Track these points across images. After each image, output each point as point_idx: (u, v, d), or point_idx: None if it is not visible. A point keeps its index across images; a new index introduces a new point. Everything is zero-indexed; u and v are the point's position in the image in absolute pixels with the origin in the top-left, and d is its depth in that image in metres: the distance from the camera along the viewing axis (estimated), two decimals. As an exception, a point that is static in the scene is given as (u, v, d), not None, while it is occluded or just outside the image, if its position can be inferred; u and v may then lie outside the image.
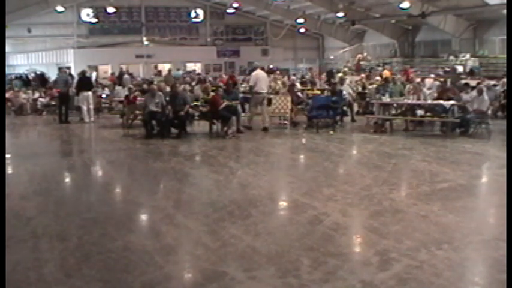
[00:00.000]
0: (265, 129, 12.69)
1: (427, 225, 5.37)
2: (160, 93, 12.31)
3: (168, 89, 13.50)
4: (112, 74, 26.32)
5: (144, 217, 6.23)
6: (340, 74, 17.77)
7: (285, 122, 13.34)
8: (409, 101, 12.52)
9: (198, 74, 28.54)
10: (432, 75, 20.78)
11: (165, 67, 33.04)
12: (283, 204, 6.74)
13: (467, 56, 23.84)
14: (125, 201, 6.94)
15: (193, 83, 19.66)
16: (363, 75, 21.03)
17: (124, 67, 27.49)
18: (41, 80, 23.76)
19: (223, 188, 7.28)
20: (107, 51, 31.21)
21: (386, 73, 20.17)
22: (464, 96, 12.14)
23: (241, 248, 4.82)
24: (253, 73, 14.69)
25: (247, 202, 6.36)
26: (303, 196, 6.64)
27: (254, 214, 5.88)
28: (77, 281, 4.18)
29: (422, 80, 16.30)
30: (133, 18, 33.06)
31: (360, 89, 16.82)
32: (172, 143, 11.25)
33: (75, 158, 10.67)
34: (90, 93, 15.36)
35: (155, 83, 16.61)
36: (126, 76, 23.56)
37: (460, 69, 22.68)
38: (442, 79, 16.60)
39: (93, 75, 26.81)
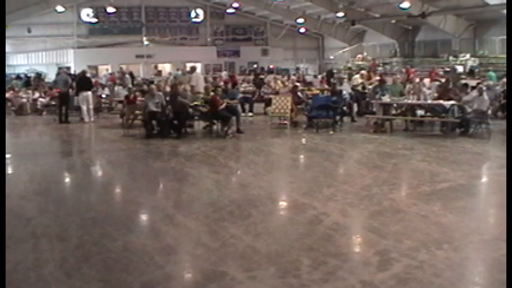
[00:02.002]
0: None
1: (427, 225, 5.37)
2: (160, 93, 12.31)
3: (168, 89, 13.54)
4: (111, 74, 26.31)
5: (144, 217, 6.23)
6: (357, 76, 17.38)
7: (285, 122, 13.35)
8: (409, 101, 12.51)
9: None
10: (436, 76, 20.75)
11: (165, 67, 33.05)
12: (283, 204, 6.74)
13: (467, 56, 23.83)
14: (124, 201, 6.94)
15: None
16: (363, 71, 21.01)
17: (124, 67, 27.50)
18: (36, 79, 23.66)
19: (223, 188, 7.28)
20: (107, 51, 31.21)
21: (365, 74, 20.16)
22: (464, 97, 12.13)
23: (241, 248, 4.82)
24: (194, 74, 15.16)
25: (247, 202, 6.36)
26: (303, 196, 6.64)
27: (254, 214, 5.88)
28: (77, 281, 4.18)
29: (421, 79, 16.27)
30: (133, 18, 33.07)
31: (360, 89, 16.78)
32: (172, 143, 11.25)
33: (75, 158, 10.67)
34: (89, 93, 15.35)
35: (155, 83, 16.63)
36: (126, 76, 23.53)
37: (460, 69, 22.66)
38: (442, 79, 16.56)
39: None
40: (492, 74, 18.33)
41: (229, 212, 5.95)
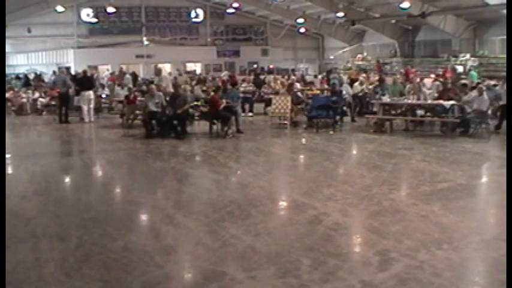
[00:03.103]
0: None
1: (427, 225, 5.37)
2: (160, 93, 12.32)
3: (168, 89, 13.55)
4: (112, 73, 26.30)
5: (144, 217, 6.23)
6: (356, 84, 17.14)
7: (285, 122, 13.35)
8: (409, 101, 12.51)
9: (199, 74, 28.57)
10: (432, 75, 20.75)
11: (165, 67, 33.03)
12: (283, 204, 6.74)
13: (467, 56, 23.82)
14: (124, 201, 6.94)
15: (194, 83, 19.66)
16: (363, 75, 21.00)
17: (124, 67, 27.50)
18: (29, 80, 23.60)
19: (223, 188, 7.28)
20: (107, 51, 31.19)
21: (352, 73, 20.17)
22: (464, 97, 12.14)
23: (241, 248, 4.82)
24: (160, 77, 15.45)
25: (247, 202, 6.37)
26: (303, 196, 6.64)
27: (254, 214, 5.88)
28: (77, 281, 4.18)
29: (422, 79, 16.26)
30: (133, 18, 33.05)
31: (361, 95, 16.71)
32: (172, 143, 11.25)
33: (75, 158, 10.66)
34: (91, 92, 15.36)
35: (155, 83, 16.62)
36: (126, 76, 23.52)
37: (460, 69, 22.66)
38: (442, 79, 16.54)
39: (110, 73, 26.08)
40: (473, 73, 18.42)
41: (229, 212, 5.95)
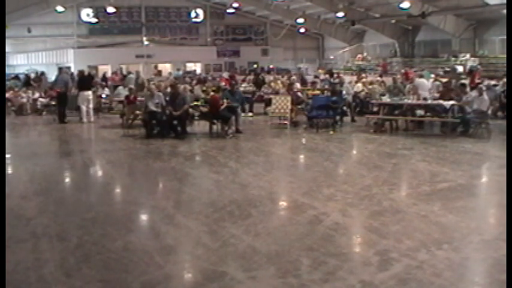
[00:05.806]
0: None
1: (427, 225, 5.37)
2: (160, 93, 12.32)
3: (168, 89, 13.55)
4: (113, 73, 26.29)
5: (144, 217, 6.23)
6: (359, 84, 16.94)
7: (285, 122, 13.34)
8: (409, 101, 12.50)
9: (199, 74, 28.57)
10: (432, 75, 20.75)
11: (165, 67, 33.09)
12: (283, 204, 6.74)
13: (467, 56, 23.83)
14: (124, 201, 6.94)
15: (194, 83, 19.65)
16: (363, 75, 20.99)
17: (124, 67, 27.49)
18: (28, 80, 23.56)
19: (223, 188, 7.28)
20: (107, 51, 31.22)
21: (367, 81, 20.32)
22: (464, 97, 12.13)
23: (241, 248, 4.83)
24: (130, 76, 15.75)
25: (247, 202, 6.37)
26: (303, 196, 6.64)
27: (254, 214, 5.89)
28: (77, 281, 4.18)
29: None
30: (133, 18, 33.09)
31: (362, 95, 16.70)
32: (172, 143, 11.25)
33: (75, 158, 10.65)
34: (90, 92, 15.35)
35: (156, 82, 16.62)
36: (130, 75, 23.42)
37: (460, 69, 22.67)
38: (444, 79, 16.52)
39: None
40: (427, 73, 18.66)
41: (229, 212, 5.95)
